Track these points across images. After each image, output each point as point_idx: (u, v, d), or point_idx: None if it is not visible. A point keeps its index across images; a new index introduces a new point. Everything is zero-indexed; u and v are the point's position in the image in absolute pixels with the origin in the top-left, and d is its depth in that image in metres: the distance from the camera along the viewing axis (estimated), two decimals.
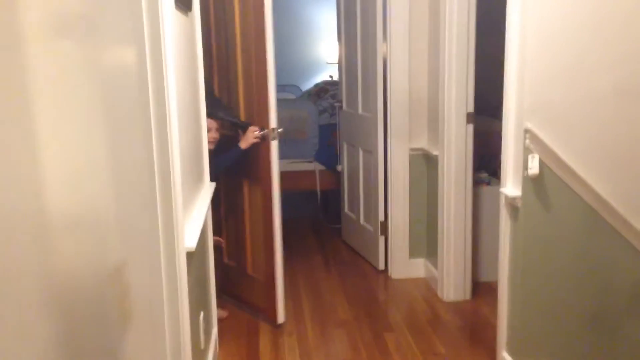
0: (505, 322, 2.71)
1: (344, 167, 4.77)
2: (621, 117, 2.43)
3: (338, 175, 5.01)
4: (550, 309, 2.51)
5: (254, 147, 3.20)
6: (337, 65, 5.35)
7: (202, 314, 2.52)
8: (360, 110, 4.28)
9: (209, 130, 2.99)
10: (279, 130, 3.16)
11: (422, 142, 3.89)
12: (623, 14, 2.38)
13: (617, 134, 2.36)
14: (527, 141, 2.41)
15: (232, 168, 3.38)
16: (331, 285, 3.97)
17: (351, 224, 4.64)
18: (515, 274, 2.58)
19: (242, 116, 3.34)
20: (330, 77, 8.55)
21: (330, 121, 5.61)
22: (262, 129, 3.15)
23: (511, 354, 2.67)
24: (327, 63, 9.21)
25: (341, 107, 4.72)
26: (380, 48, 3.90)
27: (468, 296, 3.67)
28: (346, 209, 4.75)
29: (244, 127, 3.24)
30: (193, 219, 2.34)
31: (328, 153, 5.35)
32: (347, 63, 4.51)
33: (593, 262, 2.34)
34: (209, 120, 3.02)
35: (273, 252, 3.27)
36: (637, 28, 2.39)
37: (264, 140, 3.17)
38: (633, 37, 2.40)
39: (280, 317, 3.36)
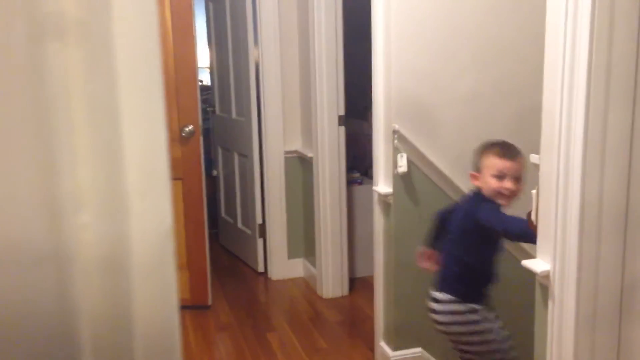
0: (382, 314, 2.86)
1: (219, 171, 4.76)
2: (476, 117, 2.66)
3: (214, 180, 4.99)
4: (421, 297, 2.69)
5: None
6: (207, 70, 5.32)
7: None
8: (234, 115, 4.31)
9: (504, 176, 2.01)
10: None
11: (297, 145, 3.99)
12: (477, 26, 2.61)
13: (473, 133, 2.59)
14: (396, 141, 2.57)
15: None
16: (211, 289, 3.95)
17: (228, 227, 4.65)
18: (389, 267, 2.74)
19: None
20: (201, 81, 8.45)
21: (203, 126, 5.55)
22: None
23: (388, 343, 2.82)
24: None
25: (214, 111, 4.71)
26: (252, 53, 3.94)
27: (346, 292, 3.81)
28: (223, 213, 4.74)
29: None
30: None
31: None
32: (219, 67, 4.51)
33: None
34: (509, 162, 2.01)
35: None
36: (489, 39, 2.63)
37: None
38: (485, 46, 2.64)
39: None
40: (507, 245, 2.55)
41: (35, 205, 0.58)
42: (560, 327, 1.51)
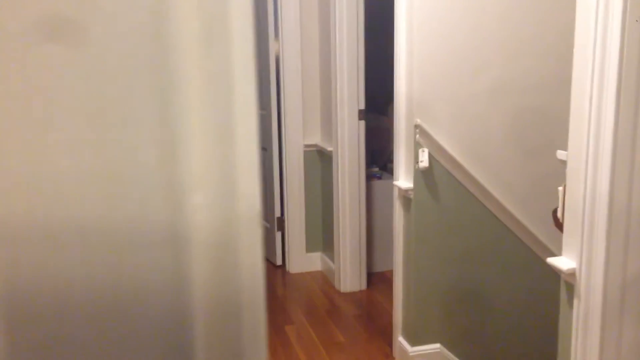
0: (400, 309, 2.85)
1: None
2: (498, 112, 2.64)
3: None
4: (440, 293, 2.68)
5: None
6: None
7: None
8: None
9: None
10: None
11: (316, 139, 3.99)
12: (499, 21, 2.58)
13: (496, 128, 2.56)
14: (418, 136, 2.55)
15: None
16: None
17: None
18: (409, 262, 2.73)
19: None
20: None
21: None
22: None
23: (407, 338, 2.82)
24: None
25: None
26: (273, 46, 3.94)
27: (364, 286, 3.81)
28: None
29: None
30: None
31: None
32: None
33: (478, 247, 2.53)
34: None
35: None
36: (511, 34, 2.61)
37: None
38: (507, 41, 2.62)
39: None
40: (529, 242, 2.53)
41: (155, 186, 0.59)
42: (585, 325, 1.50)
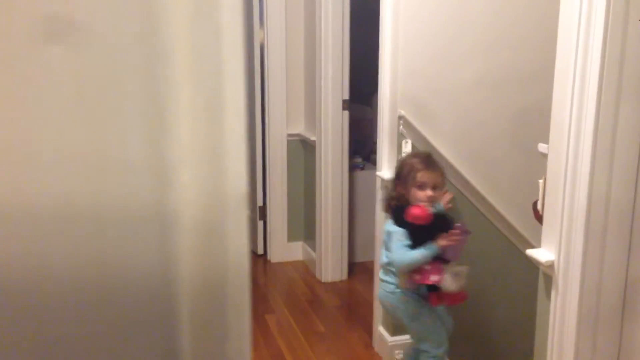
0: None
1: None
2: (480, 104, 2.65)
3: None
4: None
5: None
6: None
7: None
8: None
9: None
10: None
11: (300, 128, 3.98)
12: (482, 13, 2.58)
13: (478, 119, 2.58)
14: (401, 127, 2.56)
15: None
16: None
17: None
18: None
19: None
20: None
21: None
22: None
23: (386, 328, 2.83)
24: None
25: None
26: (257, 35, 3.92)
27: (345, 276, 3.83)
28: None
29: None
30: None
31: None
32: None
33: None
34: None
35: None
36: (493, 26, 2.61)
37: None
38: (489, 33, 2.62)
39: None
40: (509, 234, 2.55)
41: (142, 164, 0.59)
42: (562, 317, 1.52)
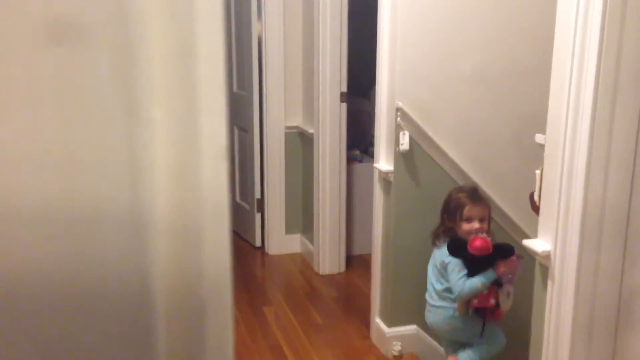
0: (379, 292, 2.87)
1: None
2: (479, 96, 2.66)
3: None
4: (418, 275, 2.71)
5: None
6: None
7: None
8: (235, 88, 4.28)
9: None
10: None
11: (297, 120, 3.98)
12: (482, 5, 2.58)
13: (476, 112, 2.58)
14: (399, 119, 2.56)
15: None
16: None
17: None
18: (387, 245, 2.75)
19: None
20: None
21: None
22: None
23: (383, 319, 2.84)
24: None
25: None
26: (255, 27, 3.91)
27: (342, 269, 3.83)
28: None
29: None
30: None
31: None
32: None
33: None
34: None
35: None
36: (493, 19, 2.61)
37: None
38: (489, 26, 2.62)
39: None
40: (506, 225, 2.56)
41: (116, 159, 0.58)
42: (559, 307, 1.52)
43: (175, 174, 0.59)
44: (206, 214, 0.61)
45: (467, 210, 2.23)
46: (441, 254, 2.27)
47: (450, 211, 2.29)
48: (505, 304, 2.18)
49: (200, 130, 0.59)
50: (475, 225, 2.22)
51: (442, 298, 2.31)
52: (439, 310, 2.33)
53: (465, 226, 2.23)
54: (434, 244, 2.37)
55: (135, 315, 0.60)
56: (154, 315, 0.61)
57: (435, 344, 2.69)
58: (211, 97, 0.59)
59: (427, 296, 2.39)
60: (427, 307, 2.40)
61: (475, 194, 2.30)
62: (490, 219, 2.32)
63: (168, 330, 0.62)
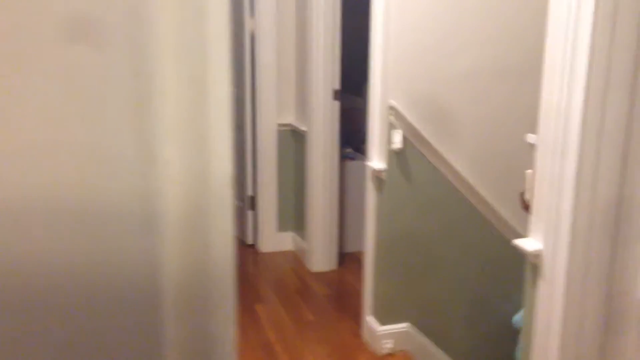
0: (371, 289, 2.88)
1: None
2: (473, 95, 2.66)
3: None
4: (410, 273, 2.71)
5: None
6: None
7: None
8: None
9: None
10: None
11: (290, 118, 3.97)
12: (477, 4, 2.58)
13: (470, 111, 2.58)
14: (392, 117, 2.56)
15: None
16: None
17: None
18: (380, 243, 2.75)
19: None
20: None
21: None
22: None
23: (375, 317, 2.85)
24: None
25: None
26: (248, 24, 3.90)
27: (334, 266, 3.84)
28: None
29: None
30: None
31: None
32: None
33: (448, 227, 2.56)
34: None
35: None
36: (488, 18, 2.61)
37: None
38: (484, 25, 2.62)
39: None
40: (498, 224, 2.57)
41: (128, 154, 0.58)
42: (549, 307, 1.53)
43: (185, 167, 0.59)
44: (212, 209, 0.62)
45: None
46: None
47: None
48: None
49: (208, 128, 0.60)
50: None
51: None
52: None
53: None
54: None
55: (145, 307, 0.61)
56: (163, 307, 0.62)
57: (426, 341, 2.70)
58: (219, 104, 0.60)
59: None
60: None
61: None
62: None
63: (176, 321, 0.63)
